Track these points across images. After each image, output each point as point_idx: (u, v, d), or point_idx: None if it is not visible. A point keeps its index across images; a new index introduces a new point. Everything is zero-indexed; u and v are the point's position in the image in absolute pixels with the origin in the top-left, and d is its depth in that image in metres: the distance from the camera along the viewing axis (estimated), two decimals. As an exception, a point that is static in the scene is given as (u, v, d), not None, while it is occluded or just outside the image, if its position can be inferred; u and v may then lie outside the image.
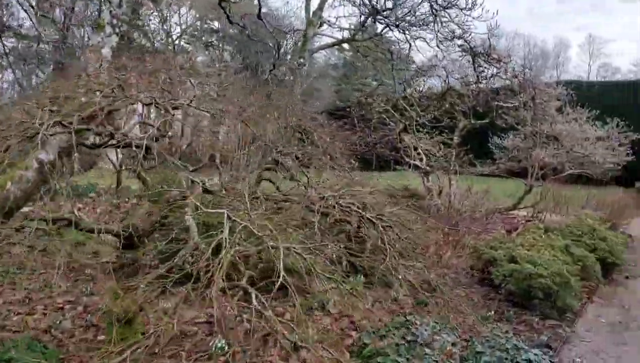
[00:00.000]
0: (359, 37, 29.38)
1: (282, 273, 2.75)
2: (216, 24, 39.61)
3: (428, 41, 9.22)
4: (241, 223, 2.94)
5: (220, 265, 2.61)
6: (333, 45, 29.02)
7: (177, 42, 40.15)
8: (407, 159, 8.91)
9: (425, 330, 4.48)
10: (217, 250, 2.78)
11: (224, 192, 3.78)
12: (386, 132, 9.77)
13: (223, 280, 2.59)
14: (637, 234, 12.55)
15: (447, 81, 8.91)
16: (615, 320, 5.65)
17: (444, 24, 8.80)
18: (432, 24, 8.71)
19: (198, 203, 3.34)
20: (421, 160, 9.25)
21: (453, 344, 4.43)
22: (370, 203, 4.22)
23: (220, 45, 44.11)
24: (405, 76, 8.88)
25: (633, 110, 22.71)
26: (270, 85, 12.66)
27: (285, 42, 41.22)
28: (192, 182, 3.74)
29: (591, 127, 11.20)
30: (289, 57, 37.09)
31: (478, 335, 4.55)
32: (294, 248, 2.95)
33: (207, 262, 2.67)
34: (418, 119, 8.75)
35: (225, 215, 2.97)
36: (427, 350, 4.21)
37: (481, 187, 12.86)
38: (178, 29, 40.30)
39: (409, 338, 4.39)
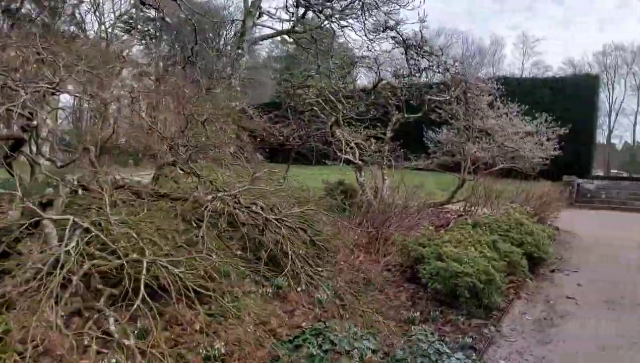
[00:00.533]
0: (299, 28, 28.76)
1: (142, 291, 2.28)
2: (153, 12, 37.83)
3: (356, 31, 8.92)
4: (93, 232, 2.43)
5: (53, 285, 2.09)
6: (272, 36, 28.43)
7: (110, 30, 38.17)
8: (339, 153, 8.57)
9: (344, 337, 4.17)
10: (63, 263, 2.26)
11: (80, 193, 3.21)
12: (319, 125, 9.40)
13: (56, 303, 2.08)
14: (564, 227, 12.92)
15: (378, 73, 8.64)
16: (540, 316, 5.56)
17: (371, 13, 8.52)
18: (361, 12, 8.41)
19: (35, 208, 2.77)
20: (354, 154, 8.95)
21: (374, 351, 4.14)
22: (276, 203, 3.80)
23: (158, 34, 42.49)
24: (329, 67, 8.51)
25: (561, 106, 23.72)
26: (199, 73, 11.96)
27: (225, 32, 40.28)
28: (62, 180, 3.16)
29: (521, 122, 11.37)
30: (229, 47, 36.13)
31: (399, 341, 4.27)
32: (160, 261, 2.47)
33: (39, 282, 2.16)
34: (345, 111, 8.43)
35: (71, 221, 2.44)
36: (344, 360, 3.90)
37: (415, 181, 12.83)
38: (112, 17, 38.35)
39: (326, 347, 4.06)
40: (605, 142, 62.26)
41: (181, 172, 4.03)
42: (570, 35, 79.29)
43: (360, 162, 8.87)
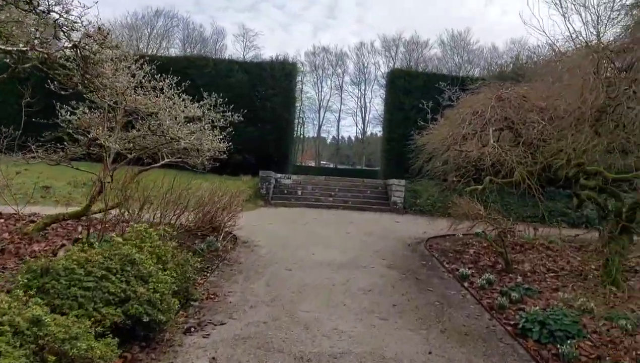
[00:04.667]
0: None
1: None
2: None
3: None
4: None
5: None
6: None
7: None
8: None
9: None
10: None
11: None
12: None
13: None
14: (247, 235, 10.93)
15: None
16: None
17: None
18: None
19: None
20: None
21: None
22: None
23: None
24: None
25: (261, 94, 22.72)
26: None
27: None
28: None
29: (183, 102, 8.61)
30: None
31: None
32: None
33: None
34: None
35: None
36: None
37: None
38: None
39: None
40: (316, 135, 69.70)
41: None
42: (289, 37, 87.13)
43: None
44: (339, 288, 7.20)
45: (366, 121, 67.81)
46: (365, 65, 65.99)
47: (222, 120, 9.25)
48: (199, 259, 7.05)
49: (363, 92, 67.14)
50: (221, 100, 9.24)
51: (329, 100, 67.85)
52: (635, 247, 9.06)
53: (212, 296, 6.35)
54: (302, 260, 8.90)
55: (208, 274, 7.35)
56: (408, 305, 6.54)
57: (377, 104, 65.45)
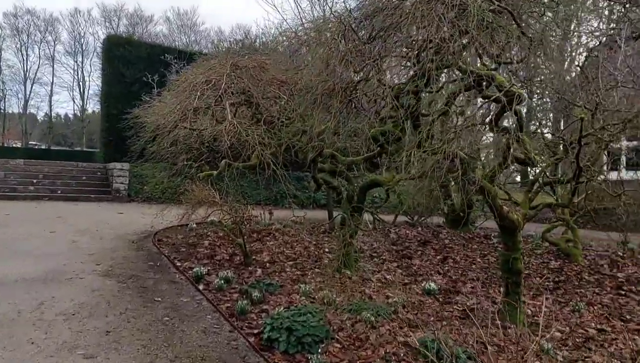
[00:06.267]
0: None
1: None
2: None
3: None
4: None
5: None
6: None
7: None
8: None
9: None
10: None
11: None
12: None
13: None
14: None
15: None
16: None
17: None
18: None
19: None
20: None
21: None
22: None
23: None
24: None
25: None
26: None
27: None
28: None
29: None
30: None
31: None
32: None
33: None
34: None
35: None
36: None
37: None
38: None
39: None
40: (22, 111, 59.28)
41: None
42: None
43: None
44: (28, 316, 5.25)
45: (85, 97, 60.84)
46: (82, 34, 59.29)
47: None
48: None
49: (81, 65, 60.13)
50: None
51: (37, 71, 58.42)
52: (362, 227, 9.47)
53: None
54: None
55: None
56: (127, 328, 5.11)
57: (97, 78, 59.49)
